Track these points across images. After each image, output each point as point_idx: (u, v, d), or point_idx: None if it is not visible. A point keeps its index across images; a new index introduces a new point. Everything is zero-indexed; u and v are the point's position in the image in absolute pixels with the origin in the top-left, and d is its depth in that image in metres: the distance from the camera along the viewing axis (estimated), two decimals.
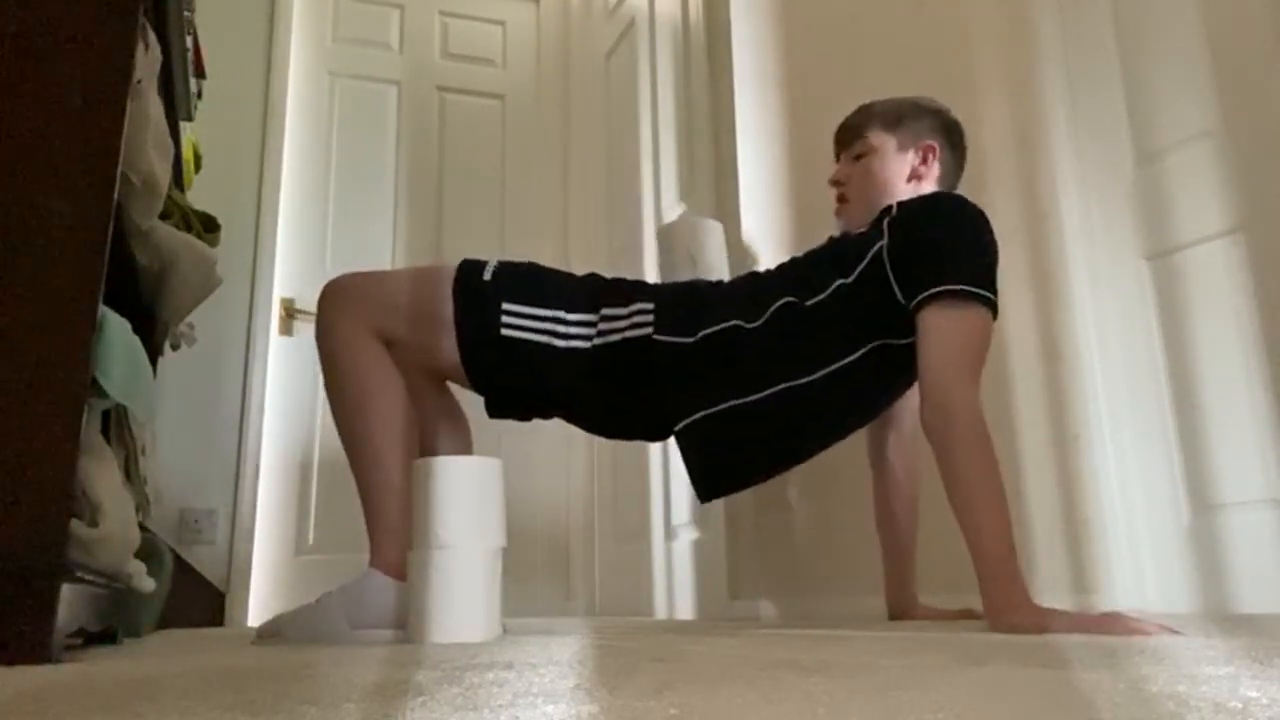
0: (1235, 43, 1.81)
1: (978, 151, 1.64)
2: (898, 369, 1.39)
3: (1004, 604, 1.12)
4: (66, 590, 0.88)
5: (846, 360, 1.37)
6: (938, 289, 1.27)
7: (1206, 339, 1.81)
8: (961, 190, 1.58)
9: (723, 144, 2.13)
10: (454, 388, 1.56)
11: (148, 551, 1.32)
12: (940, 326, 1.26)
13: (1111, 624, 1.02)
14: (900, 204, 1.41)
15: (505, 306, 1.42)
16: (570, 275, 1.56)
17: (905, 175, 1.52)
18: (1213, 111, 1.84)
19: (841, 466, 1.72)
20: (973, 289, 1.27)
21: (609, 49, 3.07)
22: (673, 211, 2.45)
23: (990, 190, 2.14)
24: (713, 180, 2.16)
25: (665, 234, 1.82)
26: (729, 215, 2.05)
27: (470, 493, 1.17)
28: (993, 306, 1.30)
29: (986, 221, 1.36)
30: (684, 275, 1.74)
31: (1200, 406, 1.81)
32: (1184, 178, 1.89)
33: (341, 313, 1.42)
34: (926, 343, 1.27)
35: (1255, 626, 1.11)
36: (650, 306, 1.42)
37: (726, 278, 1.85)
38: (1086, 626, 1.04)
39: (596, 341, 1.41)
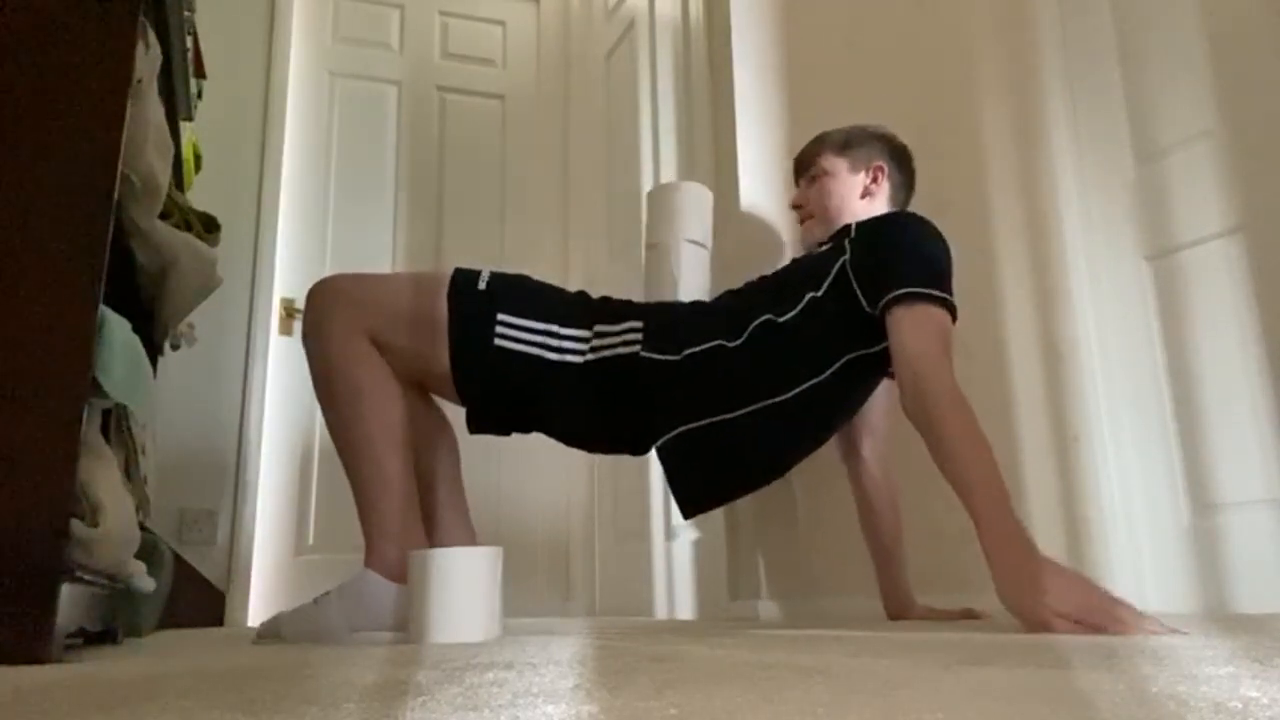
0: (1235, 43, 1.81)
1: (978, 151, 1.65)
2: (869, 376, 1.47)
3: (1011, 572, 1.11)
4: (66, 590, 0.88)
5: (824, 375, 1.43)
6: (901, 290, 1.33)
7: (1206, 339, 1.81)
8: (961, 190, 1.59)
9: (723, 144, 2.13)
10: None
11: (148, 551, 1.32)
12: (910, 320, 1.32)
13: (1114, 614, 1.02)
14: (859, 223, 1.50)
15: (500, 317, 1.42)
16: (562, 290, 1.56)
17: (858, 193, 1.63)
18: (1213, 111, 1.84)
19: (841, 467, 1.73)
20: (933, 291, 1.33)
21: (609, 49, 3.06)
22: None
23: (990, 190, 2.14)
24: (713, 180, 2.16)
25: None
26: (729, 215, 2.05)
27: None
28: (950, 309, 1.35)
29: (939, 233, 1.44)
30: (669, 284, 1.77)
31: (1200, 406, 1.81)
32: (1184, 178, 1.89)
33: (332, 313, 1.40)
34: (899, 337, 1.32)
35: (1255, 626, 1.11)
36: (640, 325, 1.45)
37: (709, 278, 1.88)
38: (1092, 609, 1.04)
39: (590, 357, 1.42)
